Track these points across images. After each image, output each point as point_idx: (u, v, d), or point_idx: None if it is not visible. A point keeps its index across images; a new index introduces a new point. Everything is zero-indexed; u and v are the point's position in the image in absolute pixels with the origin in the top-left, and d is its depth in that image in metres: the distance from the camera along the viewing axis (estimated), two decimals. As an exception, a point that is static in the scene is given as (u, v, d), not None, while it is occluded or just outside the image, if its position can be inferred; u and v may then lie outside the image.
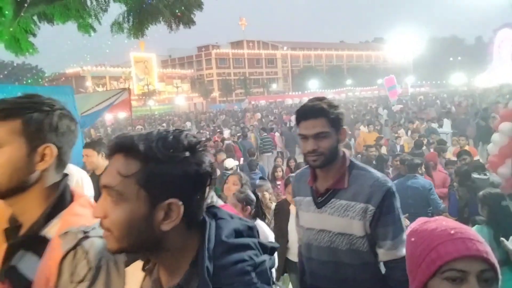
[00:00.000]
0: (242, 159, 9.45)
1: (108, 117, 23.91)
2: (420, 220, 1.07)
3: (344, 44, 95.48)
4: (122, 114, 25.51)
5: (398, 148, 8.82)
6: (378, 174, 1.71)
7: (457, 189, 4.75)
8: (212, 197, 1.18)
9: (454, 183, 5.06)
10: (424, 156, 6.48)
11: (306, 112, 1.66)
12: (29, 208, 1.06)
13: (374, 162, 6.61)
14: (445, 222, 1.00)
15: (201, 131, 17.57)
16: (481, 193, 2.92)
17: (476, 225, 2.66)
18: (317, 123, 1.61)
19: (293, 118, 20.74)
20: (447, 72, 60.71)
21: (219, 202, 2.73)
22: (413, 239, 1.02)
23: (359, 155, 8.39)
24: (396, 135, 9.92)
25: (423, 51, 61.54)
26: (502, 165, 5.47)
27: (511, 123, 5.12)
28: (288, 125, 16.20)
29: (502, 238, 2.07)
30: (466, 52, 72.83)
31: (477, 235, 0.95)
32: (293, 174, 3.38)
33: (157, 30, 5.69)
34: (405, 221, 3.85)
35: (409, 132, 10.53)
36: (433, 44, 75.22)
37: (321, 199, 1.72)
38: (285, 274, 3.74)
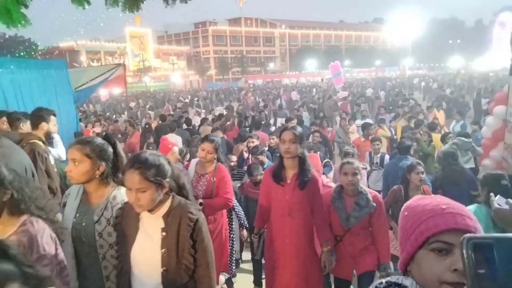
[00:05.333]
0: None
1: (103, 92, 23.65)
2: (417, 196, 1.10)
3: (344, 24, 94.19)
4: (117, 90, 25.24)
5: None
6: None
7: (437, 170, 4.81)
8: None
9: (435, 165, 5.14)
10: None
11: None
12: None
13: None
14: (440, 199, 1.02)
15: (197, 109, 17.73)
16: (481, 175, 2.94)
17: (476, 204, 2.65)
18: None
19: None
20: (445, 54, 60.36)
21: None
22: (406, 213, 1.05)
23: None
24: (348, 126, 8.63)
25: (423, 33, 60.88)
26: (495, 148, 5.55)
27: (505, 106, 5.15)
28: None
29: (491, 194, 2.07)
30: (465, 35, 72.24)
31: (469, 212, 0.96)
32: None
33: (153, 5, 5.57)
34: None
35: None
36: (433, 25, 74.40)
37: None
38: None
